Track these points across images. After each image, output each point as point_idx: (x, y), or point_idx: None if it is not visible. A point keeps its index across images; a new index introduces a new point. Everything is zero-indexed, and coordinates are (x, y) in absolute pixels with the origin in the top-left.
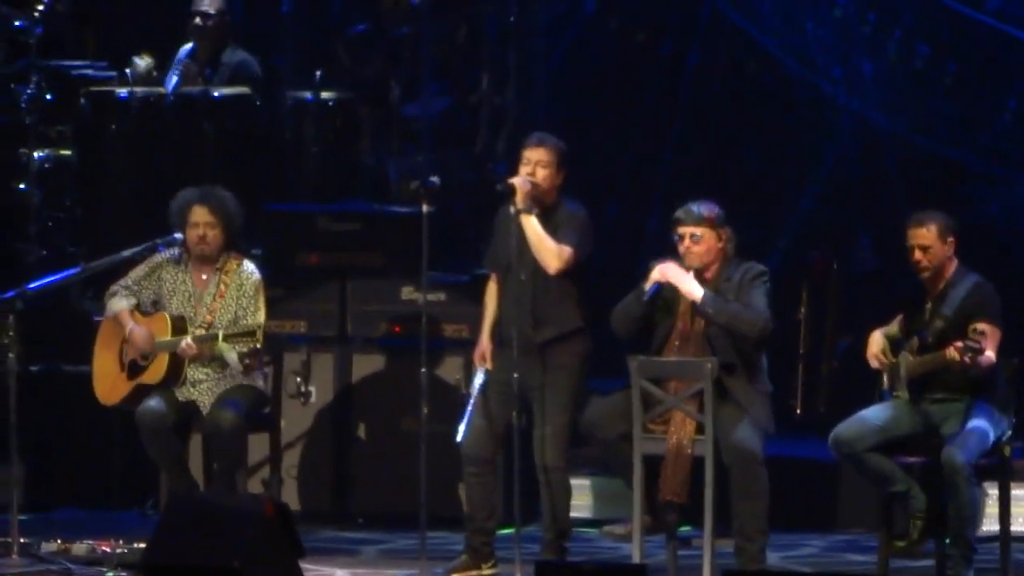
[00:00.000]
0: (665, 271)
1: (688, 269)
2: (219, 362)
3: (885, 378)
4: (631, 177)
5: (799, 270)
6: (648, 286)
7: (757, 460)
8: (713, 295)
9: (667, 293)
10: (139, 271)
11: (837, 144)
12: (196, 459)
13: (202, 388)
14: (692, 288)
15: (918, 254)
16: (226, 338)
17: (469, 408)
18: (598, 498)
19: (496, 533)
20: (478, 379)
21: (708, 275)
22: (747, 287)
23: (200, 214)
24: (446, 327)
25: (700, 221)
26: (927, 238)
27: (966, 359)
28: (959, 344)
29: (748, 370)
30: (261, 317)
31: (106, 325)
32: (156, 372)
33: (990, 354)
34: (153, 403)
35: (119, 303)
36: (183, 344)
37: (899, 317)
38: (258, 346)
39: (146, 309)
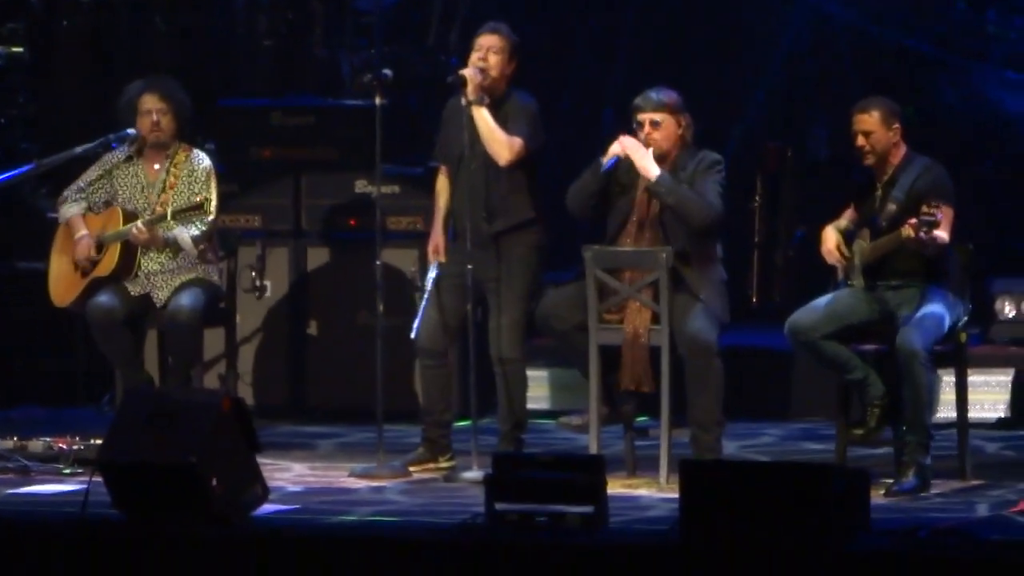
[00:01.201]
0: (625, 143)
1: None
2: (173, 250)
3: (840, 268)
4: (584, 68)
5: (754, 159)
6: (606, 159)
7: (712, 350)
8: (668, 176)
9: (623, 175)
10: (91, 173)
11: (791, 32)
12: (151, 355)
13: (156, 281)
14: (648, 165)
15: (861, 139)
16: (175, 215)
17: (423, 304)
18: (554, 389)
19: (453, 425)
20: (432, 273)
21: (666, 163)
22: (701, 175)
23: (151, 101)
24: (400, 220)
25: (660, 107)
26: (869, 123)
27: (921, 234)
28: (913, 221)
29: (702, 259)
30: (212, 195)
31: (62, 231)
32: (108, 263)
33: (943, 234)
34: (103, 298)
35: (70, 209)
36: (134, 229)
37: (849, 209)
38: (209, 219)
39: (98, 210)
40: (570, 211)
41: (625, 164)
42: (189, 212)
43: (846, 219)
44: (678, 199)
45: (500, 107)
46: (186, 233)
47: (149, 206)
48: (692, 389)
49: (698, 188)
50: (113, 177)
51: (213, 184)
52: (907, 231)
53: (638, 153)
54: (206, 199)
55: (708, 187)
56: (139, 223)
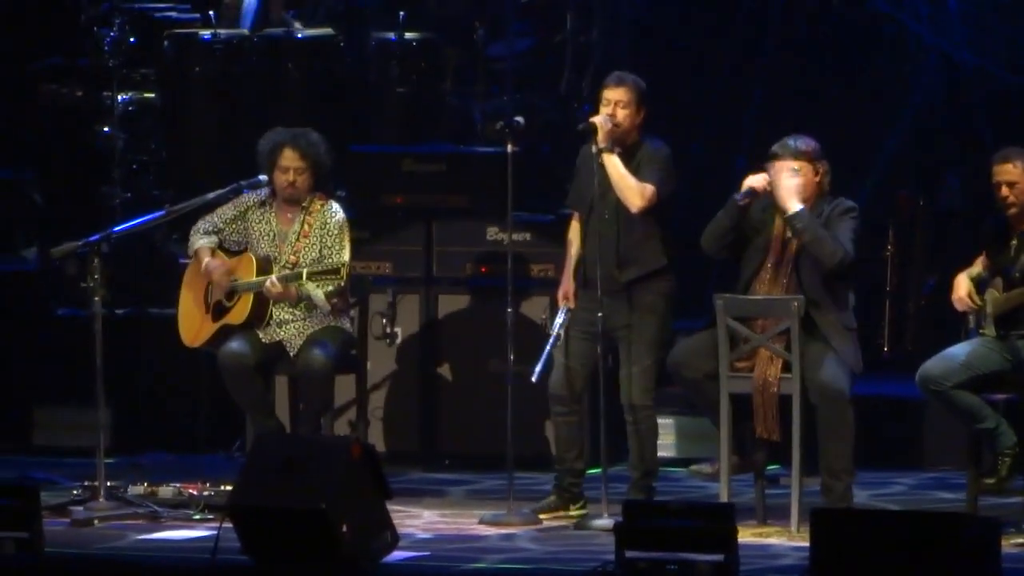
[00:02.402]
0: (769, 175)
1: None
2: (306, 303)
3: (971, 317)
4: (718, 115)
5: (886, 208)
6: (741, 192)
7: (845, 399)
8: (807, 212)
9: (757, 215)
10: (226, 212)
11: (924, 81)
12: (282, 401)
13: (288, 329)
14: (789, 198)
15: (1005, 190)
16: (310, 276)
17: (547, 348)
18: (682, 437)
19: (585, 474)
20: (560, 319)
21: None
22: (835, 220)
23: (290, 158)
24: (532, 267)
25: (798, 155)
26: (1013, 174)
27: None
28: None
29: (835, 306)
30: (346, 256)
31: (191, 267)
32: (240, 312)
33: None
34: (235, 344)
35: (199, 241)
36: (268, 283)
37: (982, 257)
38: (342, 283)
39: (231, 249)
40: (704, 250)
41: (759, 204)
42: (324, 275)
43: (979, 266)
44: (813, 235)
45: (633, 155)
46: (319, 291)
47: (282, 256)
48: (824, 437)
49: (832, 231)
50: (247, 220)
51: (346, 238)
52: None
53: (782, 183)
54: (342, 264)
55: (841, 231)
56: (273, 278)
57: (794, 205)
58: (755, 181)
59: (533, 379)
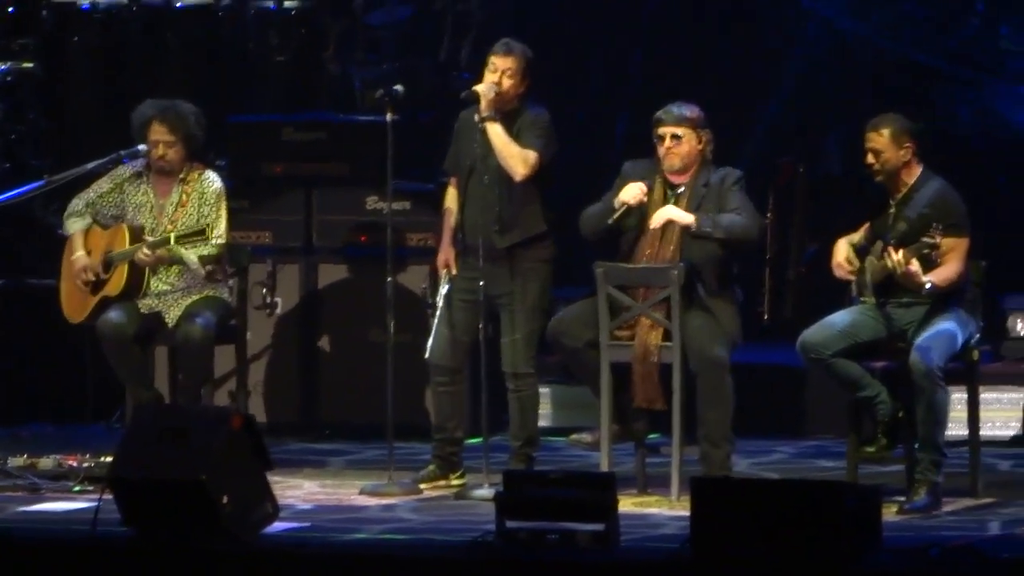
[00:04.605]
0: (662, 215)
1: (667, 171)
2: (181, 270)
3: (853, 285)
4: (599, 81)
5: (766, 174)
6: (618, 206)
7: (723, 367)
8: (704, 215)
9: (634, 219)
10: (102, 185)
11: (804, 48)
12: (161, 372)
13: (166, 299)
14: (681, 216)
15: (871, 158)
16: (178, 240)
17: (435, 320)
18: (559, 407)
19: (464, 443)
20: (443, 288)
21: (685, 178)
22: (728, 193)
23: (159, 132)
24: (411, 236)
25: (681, 121)
26: (879, 142)
27: (910, 267)
28: (900, 253)
29: (718, 278)
30: (222, 225)
31: (68, 246)
32: (116, 283)
33: (939, 276)
34: (113, 315)
35: (75, 224)
36: (140, 253)
37: (865, 224)
38: (215, 245)
39: (106, 223)
40: (582, 234)
41: (635, 208)
42: (192, 237)
43: (861, 234)
44: (725, 231)
45: (513, 121)
46: (193, 254)
47: (159, 226)
48: (703, 406)
49: (732, 206)
50: (124, 192)
51: (223, 207)
52: (891, 262)
53: (665, 213)
54: (208, 225)
55: (741, 202)
56: (144, 248)
57: (687, 218)
58: (629, 197)
59: (427, 356)
